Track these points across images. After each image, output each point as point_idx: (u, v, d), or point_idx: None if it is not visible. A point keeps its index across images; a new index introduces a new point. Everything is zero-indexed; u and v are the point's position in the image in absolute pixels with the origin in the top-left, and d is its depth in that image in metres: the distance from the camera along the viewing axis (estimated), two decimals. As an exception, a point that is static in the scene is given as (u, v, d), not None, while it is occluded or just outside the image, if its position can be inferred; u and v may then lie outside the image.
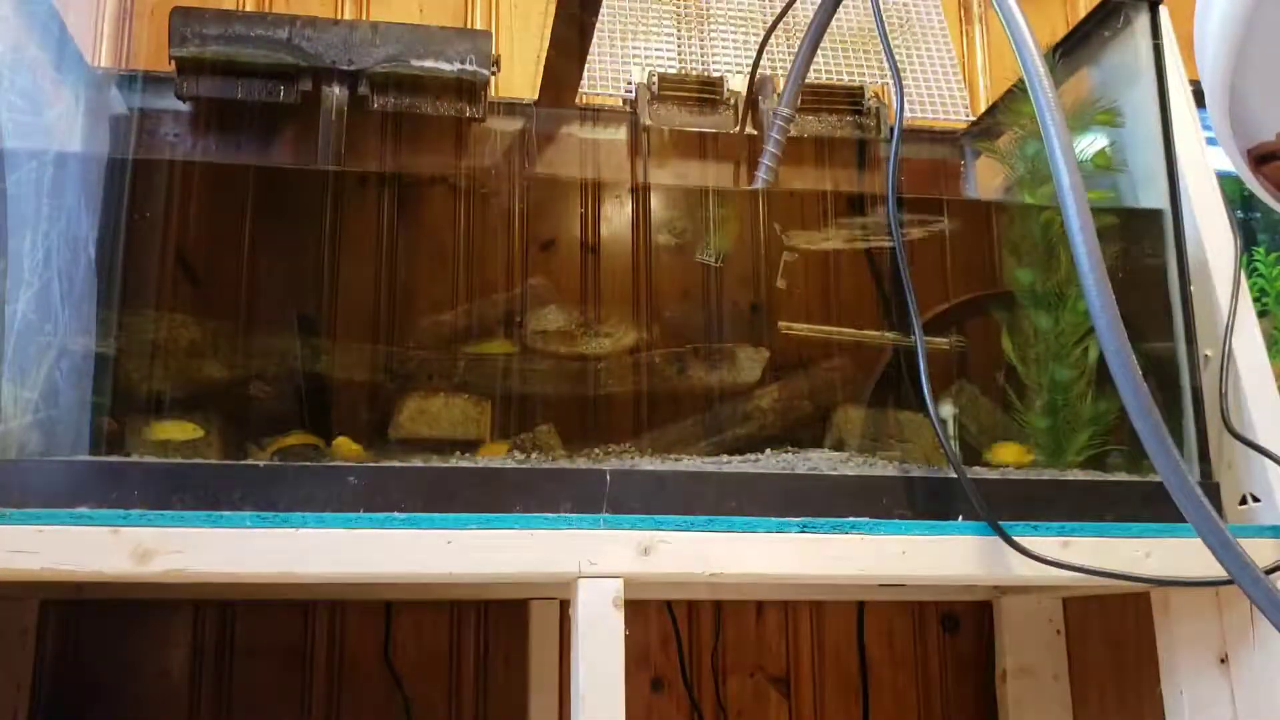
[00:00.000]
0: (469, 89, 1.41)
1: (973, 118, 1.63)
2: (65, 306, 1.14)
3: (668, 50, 1.59)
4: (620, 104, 1.54)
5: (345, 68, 1.35)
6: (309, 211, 1.31)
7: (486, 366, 1.34)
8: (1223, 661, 1.11)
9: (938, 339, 1.28)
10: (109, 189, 1.21)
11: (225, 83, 1.35)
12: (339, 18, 1.72)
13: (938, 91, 1.60)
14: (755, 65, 1.50)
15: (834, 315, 1.34)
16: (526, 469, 1.08)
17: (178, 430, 1.17)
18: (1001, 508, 1.05)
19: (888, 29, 1.17)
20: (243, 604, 1.49)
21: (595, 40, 1.44)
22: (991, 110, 1.65)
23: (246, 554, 0.89)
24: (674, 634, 1.58)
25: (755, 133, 1.51)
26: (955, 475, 1.05)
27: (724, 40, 1.58)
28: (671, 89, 1.50)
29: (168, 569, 0.88)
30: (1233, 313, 1.21)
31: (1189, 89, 1.32)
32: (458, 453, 1.19)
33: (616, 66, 1.55)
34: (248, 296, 1.27)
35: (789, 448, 1.20)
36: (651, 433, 1.33)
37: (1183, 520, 0.77)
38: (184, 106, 1.39)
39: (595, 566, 0.93)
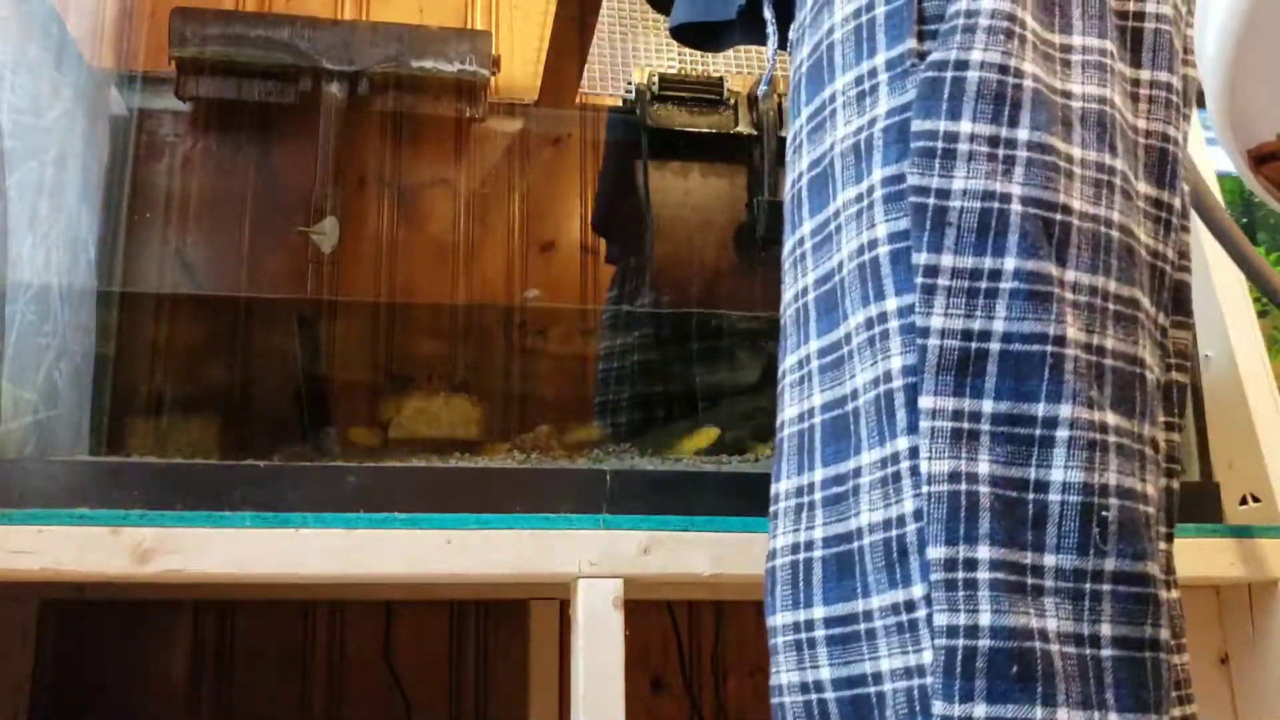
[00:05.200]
0: (469, 89, 1.41)
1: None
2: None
3: (668, 50, 1.59)
4: (620, 104, 1.54)
5: (345, 68, 1.35)
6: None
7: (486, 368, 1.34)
8: (1223, 662, 1.11)
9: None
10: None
11: (225, 83, 1.35)
12: (339, 18, 1.72)
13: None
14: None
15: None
16: (526, 469, 1.08)
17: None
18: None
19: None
20: (243, 604, 1.49)
21: (595, 40, 1.44)
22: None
23: (246, 554, 0.89)
24: (674, 634, 1.58)
25: (755, 133, 1.51)
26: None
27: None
28: (671, 89, 1.50)
29: (168, 569, 0.88)
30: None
31: (1189, 89, 1.32)
32: (457, 453, 1.19)
33: (616, 66, 1.55)
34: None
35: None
36: (653, 432, 1.33)
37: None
38: (184, 106, 1.39)
39: (595, 566, 0.93)
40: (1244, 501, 1.15)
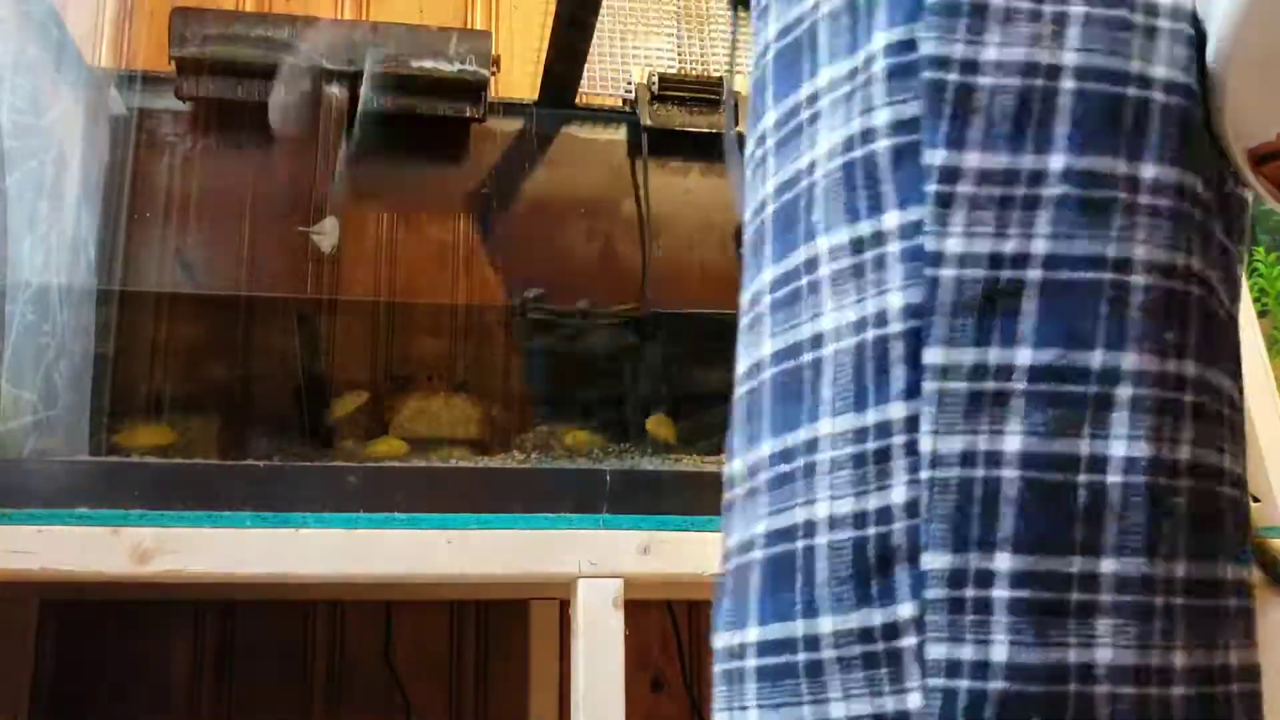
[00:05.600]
0: (469, 89, 1.41)
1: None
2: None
3: (668, 50, 1.59)
4: (620, 104, 1.54)
5: (345, 68, 1.35)
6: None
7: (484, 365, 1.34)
8: (1223, 661, 1.10)
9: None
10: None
11: (225, 83, 1.35)
12: (339, 18, 1.72)
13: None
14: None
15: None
16: (526, 469, 1.08)
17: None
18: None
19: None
20: (243, 604, 1.49)
21: (595, 40, 1.44)
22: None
23: (246, 554, 0.89)
24: (674, 634, 1.58)
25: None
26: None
27: (724, 40, 1.58)
28: (671, 89, 1.50)
29: (168, 569, 0.88)
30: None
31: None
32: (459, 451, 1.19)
33: (616, 66, 1.55)
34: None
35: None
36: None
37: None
38: (184, 106, 1.39)
39: (595, 566, 0.93)
40: (1244, 501, 1.15)
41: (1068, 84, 0.45)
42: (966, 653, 0.42)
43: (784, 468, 0.48)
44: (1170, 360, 0.45)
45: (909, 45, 0.46)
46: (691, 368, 1.36)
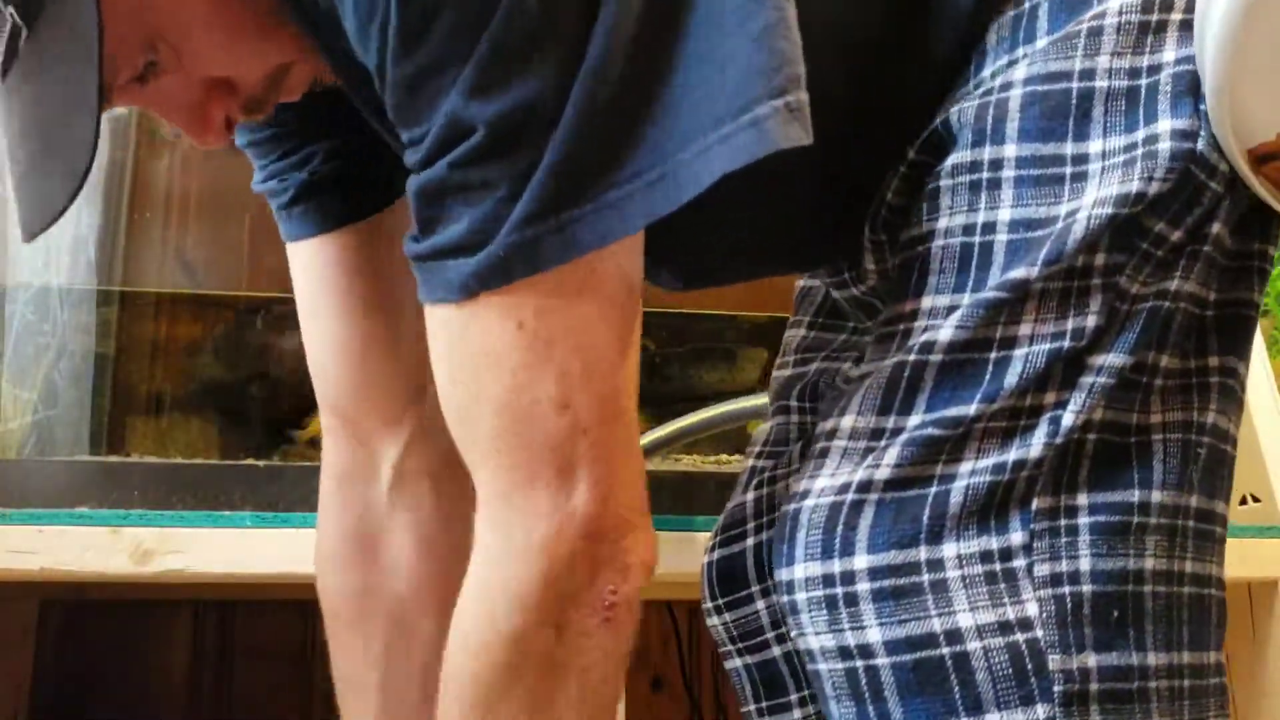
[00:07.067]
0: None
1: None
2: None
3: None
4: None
5: (345, 67, 1.35)
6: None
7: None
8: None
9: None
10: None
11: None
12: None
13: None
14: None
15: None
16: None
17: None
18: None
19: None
20: (243, 604, 1.49)
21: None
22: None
23: (246, 554, 0.89)
24: (674, 634, 1.58)
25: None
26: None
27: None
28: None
29: (168, 569, 0.88)
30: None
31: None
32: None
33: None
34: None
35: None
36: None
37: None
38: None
39: (595, 566, 0.93)
40: (1244, 501, 1.15)
41: None
42: (1063, 566, 0.53)
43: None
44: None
45: None
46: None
